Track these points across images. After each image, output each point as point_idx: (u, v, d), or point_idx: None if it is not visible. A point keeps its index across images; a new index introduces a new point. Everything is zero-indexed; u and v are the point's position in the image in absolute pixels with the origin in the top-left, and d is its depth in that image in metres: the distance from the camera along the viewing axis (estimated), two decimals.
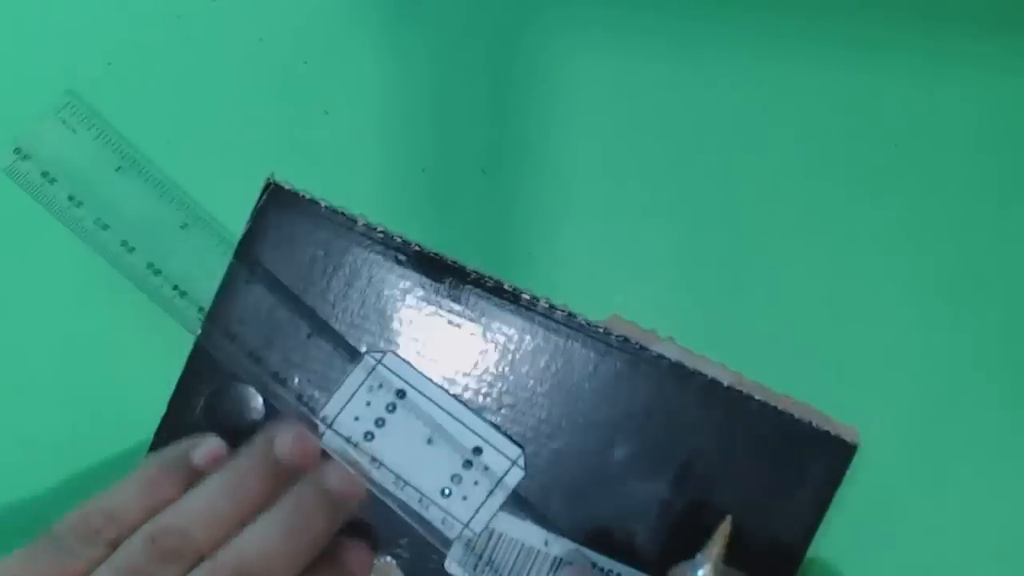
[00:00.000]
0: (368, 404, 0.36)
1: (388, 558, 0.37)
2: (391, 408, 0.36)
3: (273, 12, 0.37)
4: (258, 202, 0.37)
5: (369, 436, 0.36)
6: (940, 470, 0.37)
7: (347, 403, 0.36)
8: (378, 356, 0.36)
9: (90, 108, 0.37)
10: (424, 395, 0.36)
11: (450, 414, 0.36)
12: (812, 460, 0.37)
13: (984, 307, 0.37)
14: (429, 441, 0.36)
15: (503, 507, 0.37)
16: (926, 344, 0.37)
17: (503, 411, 0.37)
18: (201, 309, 0.36)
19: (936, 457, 0.37)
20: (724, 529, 0.34)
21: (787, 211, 0.37)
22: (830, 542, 0.37)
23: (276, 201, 0.37)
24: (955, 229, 0.37)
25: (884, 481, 0.37)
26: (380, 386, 0.36)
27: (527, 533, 0.37)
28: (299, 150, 0.37)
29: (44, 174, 0.37)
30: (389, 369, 0.36)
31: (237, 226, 0.37)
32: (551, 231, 0.37)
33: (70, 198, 0.36)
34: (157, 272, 0.36)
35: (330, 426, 0.36)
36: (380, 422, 0.36)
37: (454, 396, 0.37)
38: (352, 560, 0.36)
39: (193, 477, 0.35)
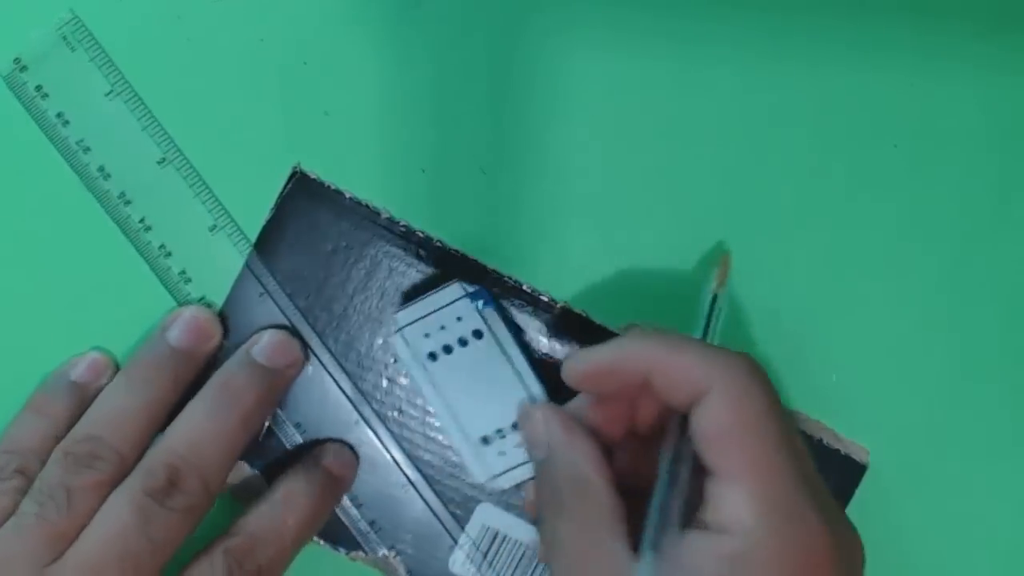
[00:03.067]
0: (443, 328, 0.35)
1: (392, 553, 0.37)
2: (463, 342, 0.35)
3: (273, 13, 0.37)
4: (283, 189, 0.37)
5: (432, 357, 0.35)
6: (941, 471, 0.37)
7: (423, 317, 0.35)
8: (473, 290, 0.35)
9: (91, 31, 0.37)
10: (501, 346, 0.35)
11: (519, 375, 0.35)
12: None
13: (984, 307, 0.37)
14: (488, 388, 0.35)
15: (510, 510, 0.37)
16: (925, 343, 0.37)
17: None
18: (162, 247, 0.37)
19: (936, 458, 0.37)
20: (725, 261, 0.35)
21: (786, 211, 0.37)
22: None
23: (301, 189, 0.37)
24: (955, 229, 0.37)
25: (885, 484, 0.37)
26: (460, 319, 0.35)
27: (530, 534, 0.37)
28: (299, 151, 0.37)
29: (38, 88, 0.37)
30: (479, 311, 0.35)
31: (238, 223, 0.37)
32: (550, 230, 0.37)
33: (58, 115, 0.37)
34: (128, 203, 0.37)
35: (399, 330, 0.35)
36: (448, 349, 0.35)
37: (532, 364, 0.35)
38: (334, 465, 0.36)
39: (83, 395, 0.35)
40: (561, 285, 0.37)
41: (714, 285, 0.35)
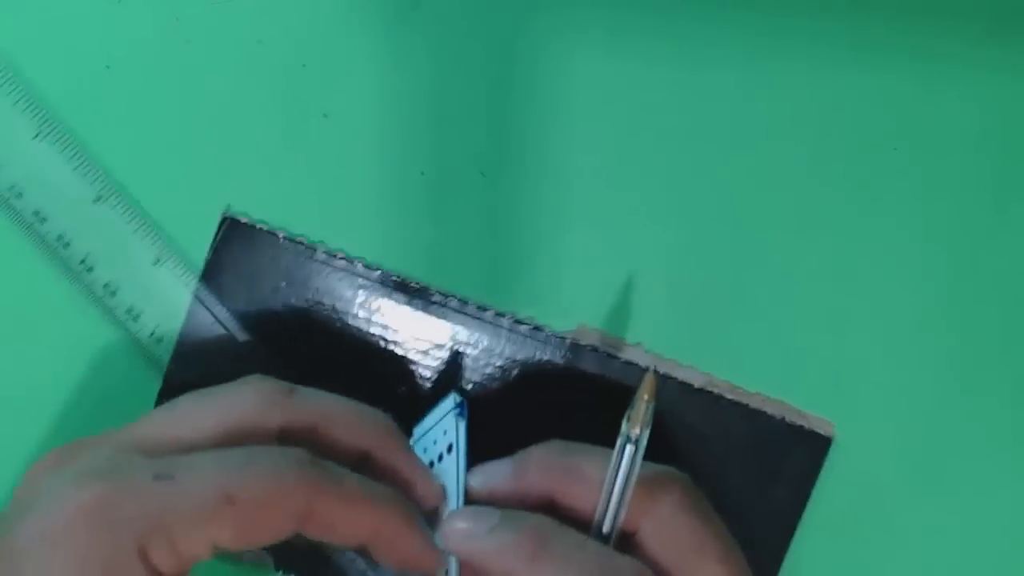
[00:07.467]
0: (435, 442, 0.34)
1: None
2: (440, 458, 0.33)
3: (272, 15, 0.37)
4: (215, 237, 0.36)
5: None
6: (937, 472, 0.37)
7: (424, 435, 0.35)
8: (459, 401, 0.34)
9: (19, 77, 0.37)
10: (457, 465, 0.33)
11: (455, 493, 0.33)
12: (788, 456, 0.37)
13: (983, 308, 0.37)
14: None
15: None
16: (925, 346, 0.37)
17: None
18: (106, 286, 0.37)
19: (934, 459, 0.37)
20: (648, 384, 0.29)
21: (786, 213, 0.37)
22: (820, 544, 0.37)
23: (233, 234, 0.36)
24: (954, 231, 0.37)
25: (881, 484, 0.37)
26: (445, 432, 0.34)
27: None
28: (298, 153, 0.37)
29: None
30: (456, 426, 0.33)
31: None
32: (550, 234, 0.37)
33: None
34: (67, 244, 0.37)
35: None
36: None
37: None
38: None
39: None
40: (560, 287, 0.37)
41: (635, 425, 0.29)
